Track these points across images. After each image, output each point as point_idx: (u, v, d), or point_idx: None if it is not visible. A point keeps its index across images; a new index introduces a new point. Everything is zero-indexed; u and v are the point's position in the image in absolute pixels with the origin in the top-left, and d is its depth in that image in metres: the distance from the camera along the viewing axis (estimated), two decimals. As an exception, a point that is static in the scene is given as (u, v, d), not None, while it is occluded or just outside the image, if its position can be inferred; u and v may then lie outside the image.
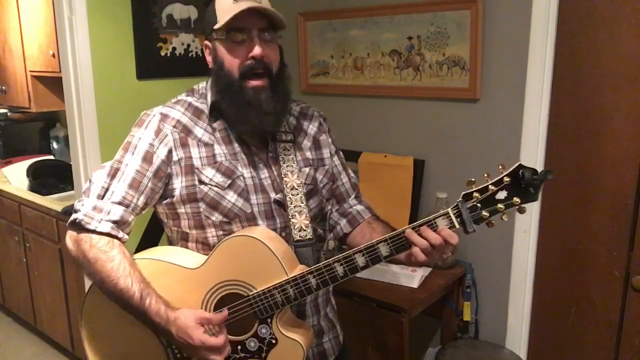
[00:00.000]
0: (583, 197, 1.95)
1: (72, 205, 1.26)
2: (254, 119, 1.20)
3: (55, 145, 3.72)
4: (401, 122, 2.36)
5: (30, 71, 3.14)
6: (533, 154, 2.00)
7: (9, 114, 3.82)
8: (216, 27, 1.18)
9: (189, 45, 2.55)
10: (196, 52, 2.59)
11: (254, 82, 1.20)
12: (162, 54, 2.47)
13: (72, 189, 2.62)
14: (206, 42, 1.27)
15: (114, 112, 2.32)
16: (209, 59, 1.27)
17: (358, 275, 1.60)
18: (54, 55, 2.85)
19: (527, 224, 2.05)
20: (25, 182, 3.28)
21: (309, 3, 2.53)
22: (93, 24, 2.21)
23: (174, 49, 2.50)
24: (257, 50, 1.18)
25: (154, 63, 2.45)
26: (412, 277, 2.02)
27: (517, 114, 2.01)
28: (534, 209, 2.03)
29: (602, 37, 1.85)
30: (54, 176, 3.35)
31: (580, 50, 1.90)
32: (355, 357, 1.53)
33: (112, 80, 2.32)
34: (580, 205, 1.97)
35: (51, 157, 3.62)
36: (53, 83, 3.08)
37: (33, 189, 3.20)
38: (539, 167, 1.99)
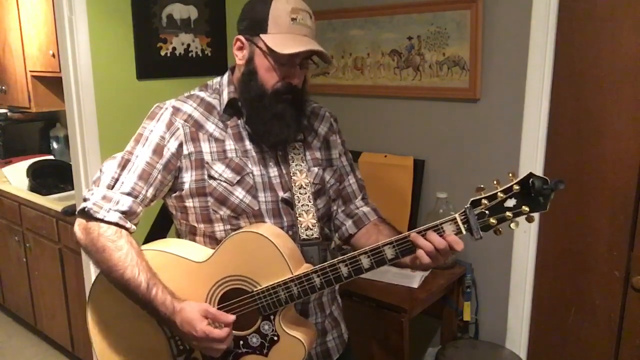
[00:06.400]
0: (583, 197, 1.95)
1: (73, 205, 1.27)
2: (278, 131, 1.23)
3: (55, 145, 3.72)
4: (401, 122, 2.36)
5: (30, 71, 3.14)
6: (533, 153, 2.00)
7: (9, 114, 3.82)
8: (265, 40, 1.18)
9: (189, 45, 2.55)
10: (196, 52, 2.59)
11: (285, 97, 1.22)
12: (162, 54, 2.47)
13: (72, 189, 2.62)
14: (242, 37, 1.24)
15: (114, 112, 2.31)
16: (238, 54, 1.25)
17: (362, 275, 1.59)
18: (54, 55, 2.85)
19: (527, 224, 2.04)
20: (25, 182, 3.28)
21: (308, 3, 2.52)
22: (93, 24, 2.21)
23: (174, 49, 2.50)
24: (295, 81, 1.23)
25: (154, 63, 2.45)
26: (412, 277, 2.02)
27: (517, 114, 2.01)
28: (534, 209, 2.03)
29: (602, 37, 1.85)
30: (54, 176, 3.35)
31: (580, 50, 1.90)
32: (358, 358, 1.53)
33: (112, 80, 2.31)
34: (580, 205, 1.97)
35: (51, 157, 3.62)
36: (53, 83, 3.08)
37: (33, 189, 3.20)
38: (539, 167, 2.00)
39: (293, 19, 1.18)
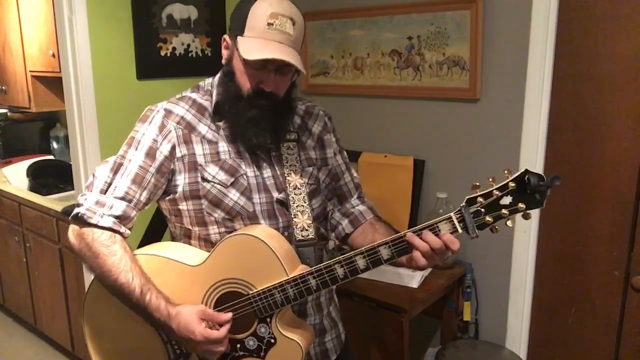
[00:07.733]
0: (583, 197, 1.95)
1: (72, 205, 1.26)
2: (252, 136, 1.21)
3: (55, 145, 3.72)
4: (401, 122, 2.36)
5: (30, 71, 3.14)
6: (533, 154, 2.00)
7: (9, 114, 3.82)
8: (239, 43, 1.16)
9: (189, 45, 2.55)
10: (196, 52, 2.59)
11: (260, 102, 1.20)
12: (162, 54, 2.47)
13: (72, 189, 2.62)
14: (227, 36, 1.23)
15: (114, 112, 2.32)
16: (224, 53, 1.25)
17: (358, 276, 1.59)
18: (54, 55, 2.85)
19: (527, 224, 2.04)
20: (25, 182, 3.28)
21: (309, 3, 2.53)
22: (93, 24, 2.21)
23: (174, 49, 2.50)
24: (269, 87, 1.19)
25: (154, 63, 2.45)
26: (412, 277, 2.02)
27: (517, 114, 2.01)
28: (534, 209, 2.03)
29: (601, 37, 1.85)
30: (54, 176, 3.35)
31: (580, 50, 1.90)
32: (355, 357, 1.53)
33: (112, 80, 2.32)
34: (580, 205, 1.96)
35: (51, 157, 3.62)
36: (53, 83, 3.08)
37: (33, 189, 3.19)
38: (539, 167, 2.00)
39: (269, 24, 1.14)
